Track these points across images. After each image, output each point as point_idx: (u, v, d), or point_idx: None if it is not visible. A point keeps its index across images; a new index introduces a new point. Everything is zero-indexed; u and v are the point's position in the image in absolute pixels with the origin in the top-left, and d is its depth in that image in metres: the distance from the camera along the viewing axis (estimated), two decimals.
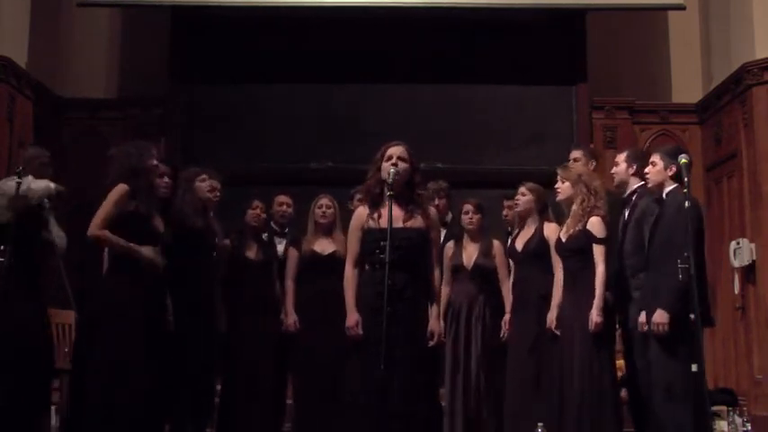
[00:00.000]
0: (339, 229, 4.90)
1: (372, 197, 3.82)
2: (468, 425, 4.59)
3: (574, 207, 4.31)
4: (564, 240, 4.35)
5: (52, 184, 4.26)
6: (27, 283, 4.19)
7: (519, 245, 4.66)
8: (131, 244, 3.96)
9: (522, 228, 4.73)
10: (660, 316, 3.84)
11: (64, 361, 4.95)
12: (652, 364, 4.02)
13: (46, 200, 4.28)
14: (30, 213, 4.17)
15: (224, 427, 4.70)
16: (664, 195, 4.08)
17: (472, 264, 4.77)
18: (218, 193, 4.72)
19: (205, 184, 4.59)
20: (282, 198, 5.18)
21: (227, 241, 4.81)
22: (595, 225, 4.24)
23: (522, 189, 4.70)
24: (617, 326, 4.49)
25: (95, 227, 3.95)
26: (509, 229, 5.10)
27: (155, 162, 4.21)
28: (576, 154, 4.90)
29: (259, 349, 4.70)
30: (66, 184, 4.55)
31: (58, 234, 4.46)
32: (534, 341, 4.47)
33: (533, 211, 4.66)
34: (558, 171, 4.45)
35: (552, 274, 4.48)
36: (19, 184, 4.06)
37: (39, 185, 4.18)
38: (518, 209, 4.72)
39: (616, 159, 4.65)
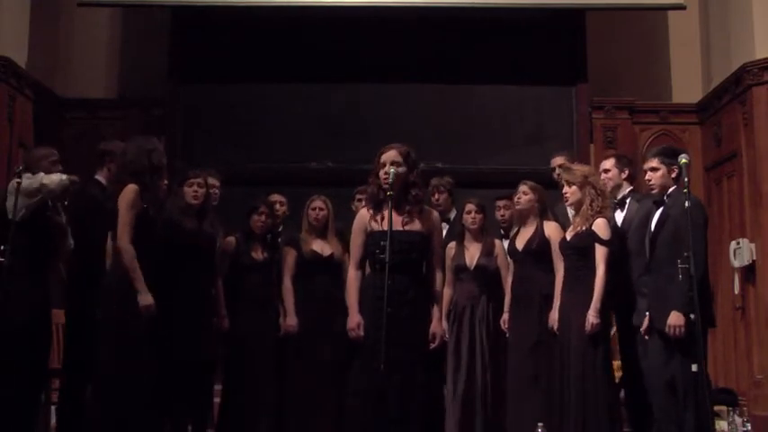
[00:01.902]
0: (333, 230, 4.91)
1: (374, 201, 3.82)
2: (471, 425, 4.59)
3: (583, 208, 4.31)
4: (569, 239, 4.36)
5: (65, 176, 4.22)
6: (28, 283, 4.17)
7: (519, 244, 4.67)
8: (141, 279, 3.91)
9: (521, 226, 4.74)
10: (676, 318, 3.81)
11: (59, 360, 4.96)
12: (654, 365, 4.02)
13: (50, 201, 4.25)
14: (40, 209, 4.14)
15: (224, 428, 4.69)
16: (665, 197, 4.08)
17: (474, 264, 4.77)
18: (217, 191, 4.72)
19: (190, 190, 4.55)
20: (276, 197, 5.17)
21: (231, 239, 4.80)
22: (601, 227, 4.24)
23: (524, 188, 4.71)
24: (614, 326, 4.50)
25: (125, 240, 3.91)
26: (501, 231, 5.09)
27: (164, 160, 4.21)
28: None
29: (259, 348, 4.70)
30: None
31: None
32: (536, 341, 4.47)
33: (534, 210, 4.66)
34: (563, 175, 4.42)
35: (553, 274, 4.49)
36: (19, 183, 4.04)
37: (52, 179, 4.14)
38: (519, 207, 4.73)
39: (605, 166, 4.65)
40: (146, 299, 3.90)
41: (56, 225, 4.23)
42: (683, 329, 3.78)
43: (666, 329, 3.85)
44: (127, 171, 4.07)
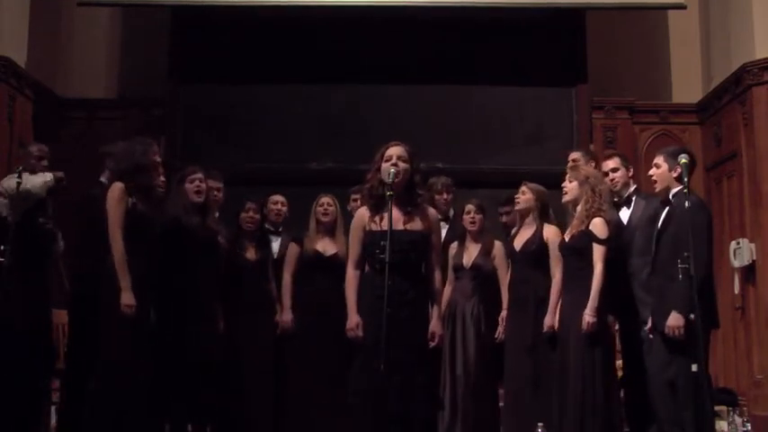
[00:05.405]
0: (341, 229, 4.89)
1: (373, 198, 3.79)
2: (465, 424, 4.59)
3: (578, 208, 4.32)
4: (567, 240, 4.35)
5: (48, 176, 4.23)
6: (28, 283, 4.18)
7: (517, 244, 4.66)
8: (126, 277, 3.91)
9: (521, 227, 4.73)
10: (675, 319, 3.82)
11: (62, 361, 4.96)
12: (655, 365, 4.02)
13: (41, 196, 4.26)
14: (31, 211, 4.15)
15: (224, 428, 4.69)
16: (670, 197, 4.08)
17: (471, 263, 4.77)
18: (218, 193, 4.72)
19: (192, 186, 4.53)
20: (276, 197, 5.17)
21: (222, 241, 4.81)
22: (597, 226, 4.24)
23: (523, 188, 4.71)
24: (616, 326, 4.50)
25: (116, 237, 3.92)
26: (506, 234, 5.08)
27: (158, 158, 4.20)
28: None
29: (257, 348, 4.69)
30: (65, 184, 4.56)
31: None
32: (532, 341, 4.47)
33: (534, 209, 4.65)
34: (568, 171, 4.43)
35: (550, 277, 4.48)
36: (19, 183, 4.05)
37: (35, 183, 4.17)
38: (518, 207, 4.73)
39: (613, 165, 4.65)
40: (127, 297, 3.89)
41: (45, 231, 4.24)
42: (682, 330, 3.79)
43: (666, 330, 3.85)
44: (114, 173, 4.09)
